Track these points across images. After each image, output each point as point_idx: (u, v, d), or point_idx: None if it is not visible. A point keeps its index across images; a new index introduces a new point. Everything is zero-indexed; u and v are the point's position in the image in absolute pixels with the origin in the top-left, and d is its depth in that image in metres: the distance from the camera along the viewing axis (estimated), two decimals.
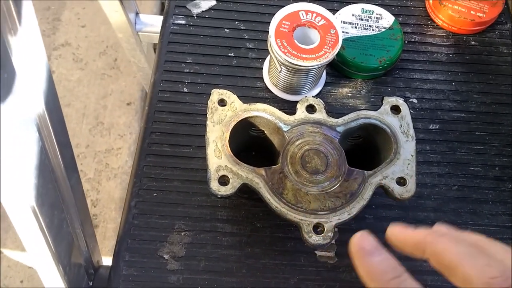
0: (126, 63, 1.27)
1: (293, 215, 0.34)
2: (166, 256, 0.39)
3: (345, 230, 0.41)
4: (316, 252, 0.40)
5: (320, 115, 0.38)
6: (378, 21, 0.46)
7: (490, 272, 0.26)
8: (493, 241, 0.29)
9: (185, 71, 0.46)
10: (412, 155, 0.36)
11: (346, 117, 0.38)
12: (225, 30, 0.48)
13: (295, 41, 0.40)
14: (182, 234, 0.40)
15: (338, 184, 0.35)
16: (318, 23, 0.41)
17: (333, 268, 0.40)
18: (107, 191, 1.15)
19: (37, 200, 0.26)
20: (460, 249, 0.28)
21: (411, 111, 0.45)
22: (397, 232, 0.30)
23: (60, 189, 0.31)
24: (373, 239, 0.29)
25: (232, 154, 0.36)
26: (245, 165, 0.35)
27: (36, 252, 0.29)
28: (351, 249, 0.29)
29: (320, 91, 0.46)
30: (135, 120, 1.22)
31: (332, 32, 0.40)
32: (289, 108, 0.45)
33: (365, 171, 0.36)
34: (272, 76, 0.45)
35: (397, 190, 0.35)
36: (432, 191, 0.43)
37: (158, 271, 0.39)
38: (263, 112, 0.37)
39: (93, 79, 1.25)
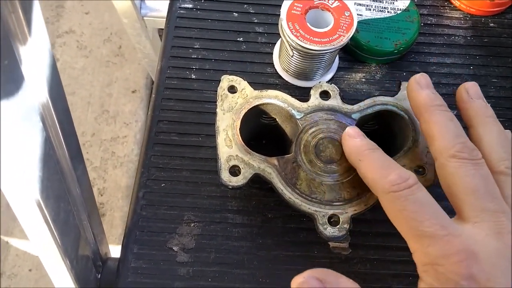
0: (131, 50, 1.26)
1: (307, 206, 0.33)
2: (175, 248, 0.38)
3: (359, 220, 0.39)
4: (329, 243, 0.39)
5: (335, 101, 0.36)
6: (393, 3, 0.44)
7: (460, 148, 0.29)
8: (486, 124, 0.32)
9: (193, 57, 0.45)
10: None
11: (361, 104, 0.36)
12: (234, 14, 0.47)
13: (308, 24, 0.38)
14: (192, 225, 0.39)
15: (354, 174, 0.34)
16: (331, 5, 0.39)
17: (347, 259, 0.39)
18: (113, 180, 1.14)
19: (42, 193, 0.25)
20: (447, 126, 0.30)
21: None
22: (414, 84, 0.34)
23: (66, 181, 0.29)
24: (358, 130, 0.33)
25: (243, 143, 0.34)
26: (257, 154, 0.34)
27: (42, 247, 0.28)
28: (342, 137, 0.34)
29: (333, 77, 0.44)
30: (140, 108, 1.21)
31: (347, 15, 0.39)
32: (301, 94, 0.43)
33: None
34: (283, 61, 0.43)
35: None
36: None
37: (167, 263, 0.38)
38: (275, 99, 0.36)
39: (98, 66, 1.24)
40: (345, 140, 0.33)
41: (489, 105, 0.33)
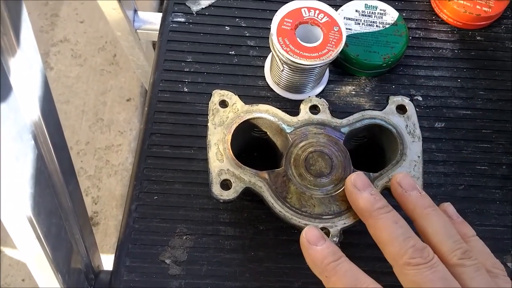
0: (125, 59, 1.26)
1: (297, 220, 0.34)
2: (167, 261, 0.38)
3: (349, 232, 0.40)
4: None
5: (324, 115, 0.37)
6: (382, 17, 0.45)
7: (412, 253, 0.29)
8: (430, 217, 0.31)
9: (185, 70, 0.45)
10: (418, 156, 0.35)
11: (350, 118, 0.37)
12: (226, 27, 0.47)
13: (298, 39, 0.39)
14: (184, 238, 0.39)
15: (343, 187, 0.34)
16: (321, 20, 0.40)
17: None
18: (107, 188, 1.14)
19: (34, 209, 0.25)
20: (393, 230, 0.30)
21: (416, 109, 0.44)
22: (351, 187, 0.33)
23: (57, 196, 0.30)
24: (317, 231, 0.31)
25: (234, 157, 0.35)
26: (248, 168, 0.35)
27: (33, 262, 0.29)
28: (300, 242, 0.31)
29: (323, 90, 0.45)
30: (135, 116, 1.21)
31: (336, 30, 0.39)
32: (292, 107, 0.44)
33: (371, 173, 0.35)
34: (274, 74, 0.44)
35: None
36: (438, 191, 0.42)
37: (159, 276, 0.38)
38: (265, 113, 0.36)
39: (92, 75, 1.24)
40: (304, 249, 0.31)
41: (424, 193, 0.33)
